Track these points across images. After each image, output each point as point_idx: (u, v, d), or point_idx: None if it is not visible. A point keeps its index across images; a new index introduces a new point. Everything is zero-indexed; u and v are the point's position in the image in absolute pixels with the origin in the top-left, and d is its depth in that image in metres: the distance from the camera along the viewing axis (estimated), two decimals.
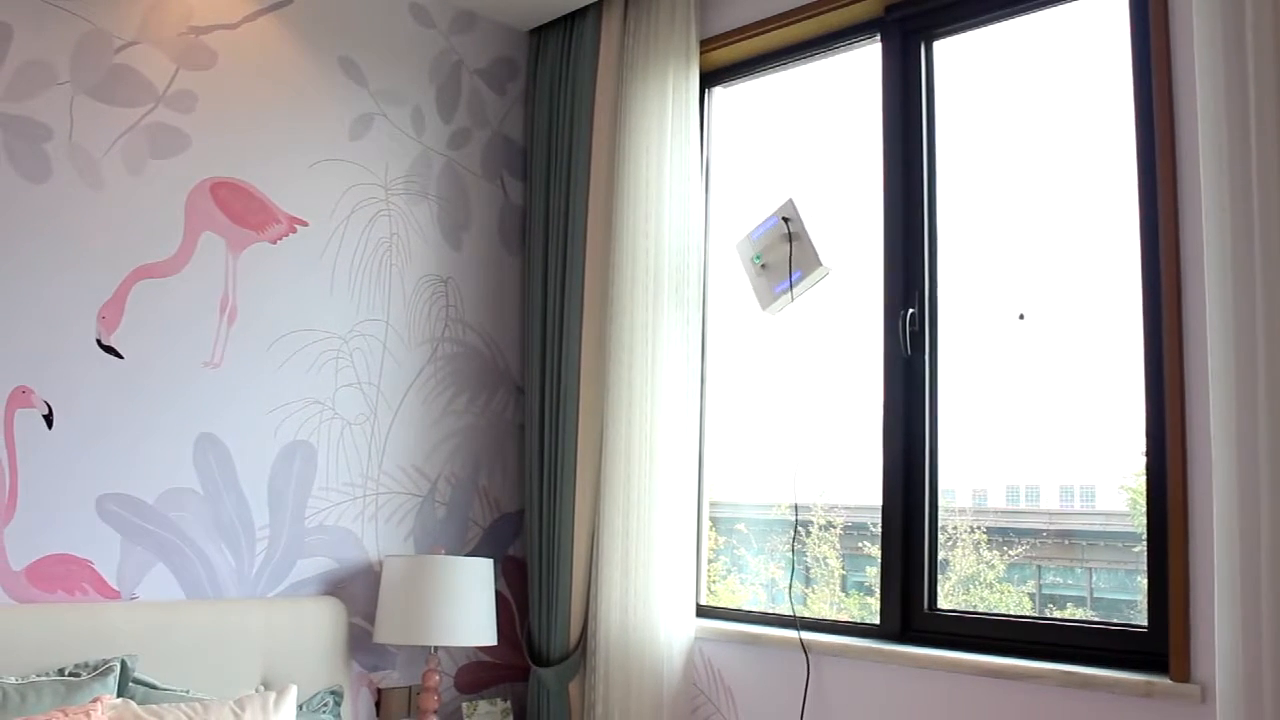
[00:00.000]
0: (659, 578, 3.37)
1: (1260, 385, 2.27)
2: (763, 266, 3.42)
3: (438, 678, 3.36)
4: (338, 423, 3.48)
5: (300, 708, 3.03)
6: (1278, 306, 2.26)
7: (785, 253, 3.36)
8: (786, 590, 3.48)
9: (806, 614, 3.42)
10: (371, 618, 3.45)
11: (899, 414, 3.15)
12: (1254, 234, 2.31)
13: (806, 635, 3.18)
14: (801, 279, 3.33)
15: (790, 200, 3.34)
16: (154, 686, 2.80)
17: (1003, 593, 3.11)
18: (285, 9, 3.45)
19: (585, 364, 3.60)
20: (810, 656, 3.15)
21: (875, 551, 3.19)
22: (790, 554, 3.40)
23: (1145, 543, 2.69)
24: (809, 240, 3.31)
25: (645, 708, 3.31)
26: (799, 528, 3.44)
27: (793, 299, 3.34)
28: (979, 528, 3.15)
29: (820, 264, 3.30)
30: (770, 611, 3.45)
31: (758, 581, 3.68)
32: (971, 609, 3.10)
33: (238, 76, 3.33)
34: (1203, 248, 2.42)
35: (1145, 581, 2.68)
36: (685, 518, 3.42)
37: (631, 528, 3.43)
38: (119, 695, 2.69)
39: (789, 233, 3.34)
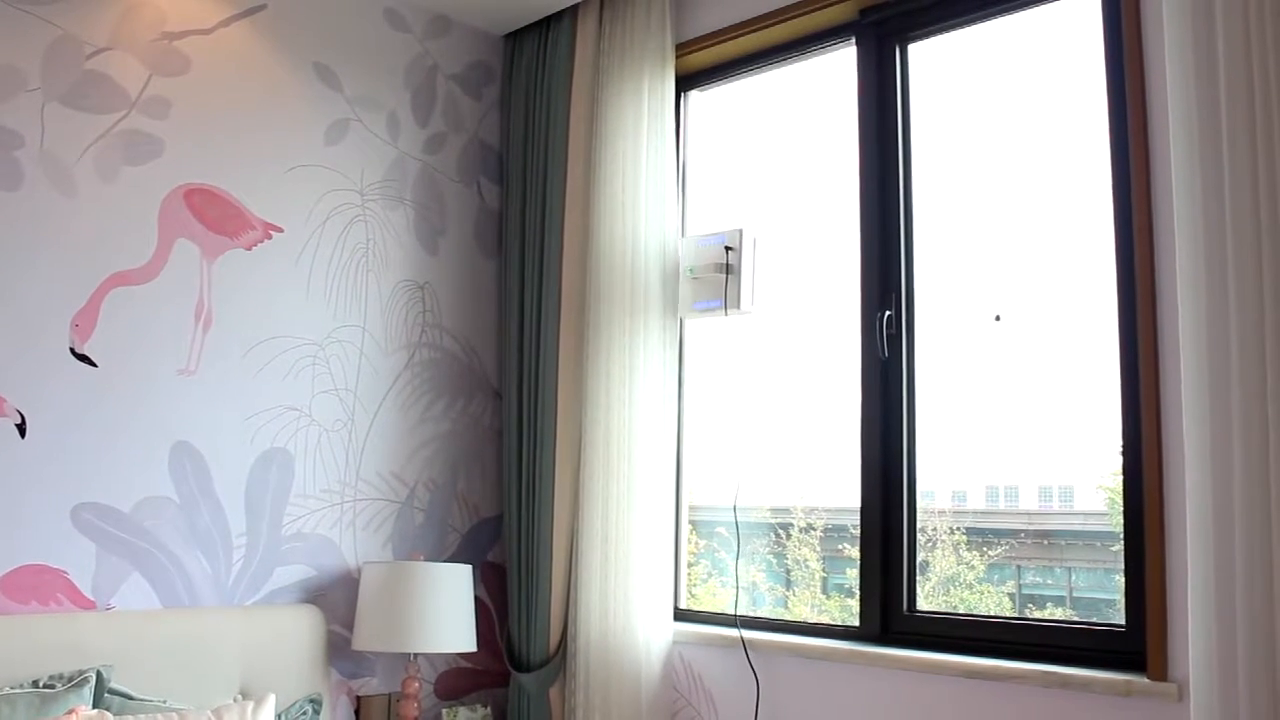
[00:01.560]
0: (638, 582, 3.37)
1: (1233, 385, 2.29)
2: (693, 278, 3.44)
3: (417, 685, 3.34)
4: (315, 429, 3.46)
5: (279, 716, 3.01)
6: (1250, 307, 2.28)
7: (717, 279, 3.42)
8: (766, 593, 3.49)
9: (788, 616, 3.43)
10: (350, 625, 3.43)
11: (877, 416, 3.16)
12: (1226, 234, 2.32)
13: (789, 638, 3.19)
14: (719, 309, 3.40)
15: (740, 230, 3.38)
16: (130, 697, 2.78)
17: (982, 593, 3.12)
18: (259, 14, 3.43)
19: (563, 368, 3.59)
20: (785, 660, 3.15)
21: (855, 554, 3.19)
22: (773, 557, 3.40)
23: (1123, 542, 2.70)
24: (740, 279, 3.37)
25: (625, 712, 3.31)
26: (780, 530, 3.45)
27: (726, 314, 3.40)
28: (958, 528, 3.16)
29: (739, 307, 3.38)
30: (750, 615, 3.44)
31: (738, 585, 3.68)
32: (951, 610, 3.11)
33: (212, 82, 3.31)
34: (1175, 248, 2.43)
35: (1123, 580, 2.69)
36: (664, 521, 3.42)
37: (610, 532, 3.42)
38: (95, 706, 2.67)
39: (726, 263, 3.37)
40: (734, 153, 3.80)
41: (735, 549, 3.42)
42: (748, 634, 3.26)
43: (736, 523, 3.40)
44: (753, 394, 3.57)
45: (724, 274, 3.40)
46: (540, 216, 3.75)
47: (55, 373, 2.96)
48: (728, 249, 3.39)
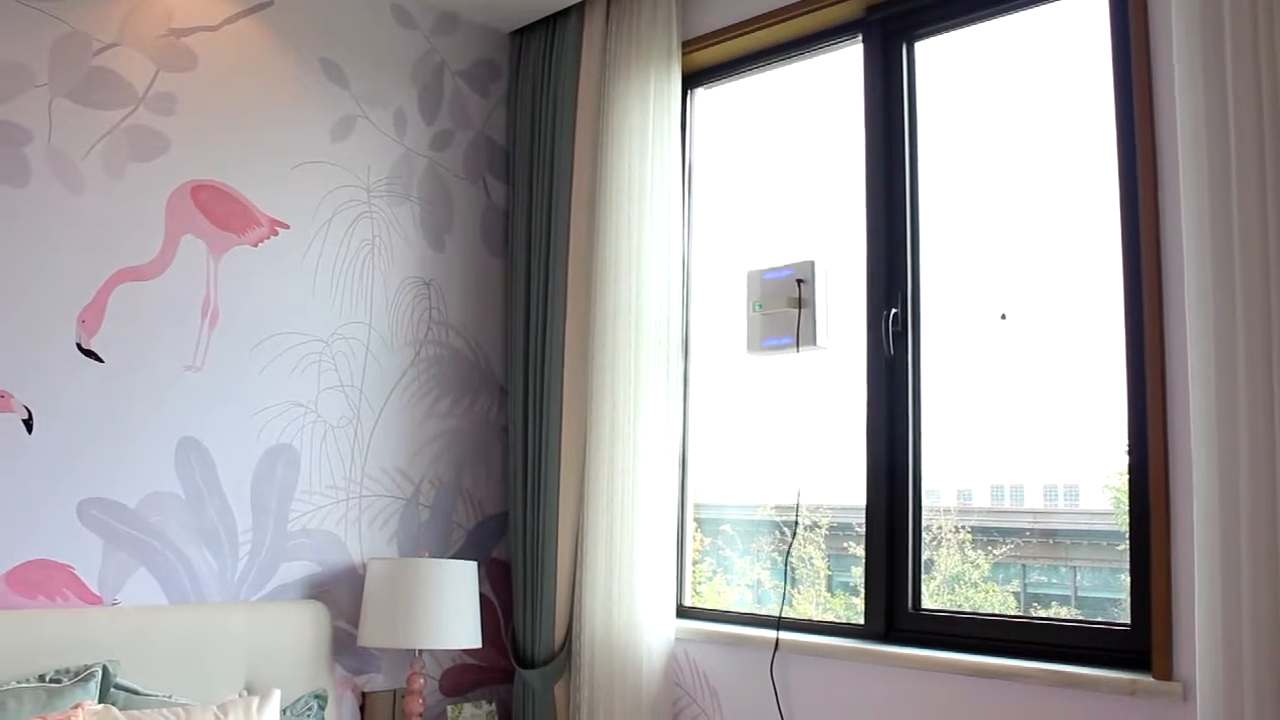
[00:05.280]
0: (642, 579, 3.37)
1: (1240, 383, 2.28)
2: (762, 314, 3.37)
3: (422, 681, 3.35)
4: (320, 426, 3.47)
5: (284, 712, 3.02)
6: (1257, 305, 2.27)
7: (789, 314, 3.30)
8: (771, 591, 3.48)
9: (793, 614, 3.43)
10: (355, 621, 3.44)
11: (883, 414, 3.16)
12: (1233, 233, 2.31)
13: (792, 636, 3.19)
14: (790, 345, 3.30)
15: (812, 263, 3.29)
16: (136, 692, 2.78)
17: (987, 592, 3.12)
18: (266, 11, 3.43)
19: (568, 365, 3.60)
20: (790, 658, 3.15)
21: (860, 552, 3.19)
22: (777, 555, 3.39)
23: (1128, 541, 2.70)
24: (815, 312, 3.26)
25: (629, 708, 3.31)
26: (784, 528, 3.44)
27: (798, 350, 3.33)
28: (963, 527, 3.16)
29: (814, 343, 3.27)
30: (755, 612, 3.45)
31: (743, 582, 3.68)
32: (956, 609, 3.11)
33: (219, 78, 3.31)
34: (1183, 247, 2.42)
35: (1129, 580, 2.69)
36: (668, 519, 3.42)
37: (615, 529, 3.42)
38: (100, 701, 2.68)
39: (799, 296, 3.28)
40: (740, 149, 3.79)
41: (787, 551, 3.39)
42: (749, 631, 3.26)
43: (796, 522, 3.36)
44: (758, 390, 3.56)
45: (796, 308, 3.28)
46: (546, 213, 3.75)
47: (62, 368, 2.96)
48: (799, 282, 3.29)
